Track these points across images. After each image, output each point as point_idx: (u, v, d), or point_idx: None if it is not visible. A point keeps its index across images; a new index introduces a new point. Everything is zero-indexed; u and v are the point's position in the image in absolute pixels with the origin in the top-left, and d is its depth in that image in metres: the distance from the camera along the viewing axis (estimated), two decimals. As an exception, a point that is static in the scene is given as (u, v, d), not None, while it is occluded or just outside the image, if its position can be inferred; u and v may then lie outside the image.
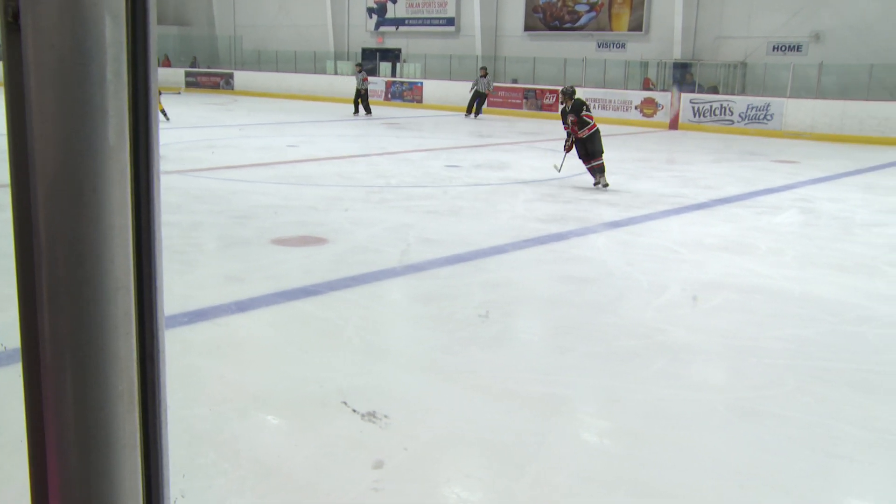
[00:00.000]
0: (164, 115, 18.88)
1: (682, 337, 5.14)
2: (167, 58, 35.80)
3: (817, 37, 22.20)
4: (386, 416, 3.80)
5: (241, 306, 5.44)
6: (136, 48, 0.79)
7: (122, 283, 0.83)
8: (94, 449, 0.85)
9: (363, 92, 23.97)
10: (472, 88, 24.40)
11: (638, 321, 5.44)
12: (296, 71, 31.89)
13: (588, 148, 11.19)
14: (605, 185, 11.02)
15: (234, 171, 11.72)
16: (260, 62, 34.02)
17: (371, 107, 24.09)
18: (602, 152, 11.16)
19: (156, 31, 0.81)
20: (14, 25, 0.76)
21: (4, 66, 0.76)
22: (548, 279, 6.49)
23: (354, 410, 3.84)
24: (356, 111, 23.96)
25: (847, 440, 3.77)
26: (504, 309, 5.69)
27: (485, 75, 24.34)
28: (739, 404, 4.14)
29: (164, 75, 34.01)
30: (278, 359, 4.61)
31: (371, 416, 3.80)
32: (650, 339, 5.08)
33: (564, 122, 11.69)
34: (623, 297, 6.03)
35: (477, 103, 24.11)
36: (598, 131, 11.30)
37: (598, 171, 11.11)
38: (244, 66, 34.72)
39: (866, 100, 19.71)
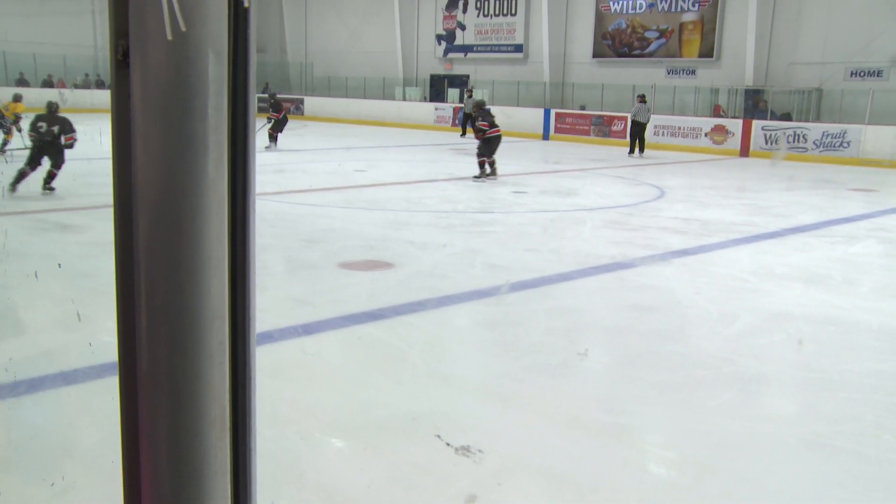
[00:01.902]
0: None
1: (751, 367, 5.05)
2: (241, 84, 36.71)
3: (897, 62, 21.64)
4: (453, 447, 3.82)
5: (307, 329, 5.53)
6: (237, 83, 0.83)
7: (217, 313, 0.86)
8: (187, 475, 0.88)
9: (472, 115, 24.67)
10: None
11: (706, 351, 5.36)
12: (365, 97, 32.38)
13: (484, 148, 14.34)
14: (485, 177, 14.12)
15: (304, 196, 11.93)
16: (330, 88, 34.64)
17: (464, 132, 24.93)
18: (492, 154, 14.29)
19: (255, 67, 0.85)
20: (123, 63, 0.81)
21: (112, 100, 0.82)
22: (614, 307, 6.44)
23: (416, 436, 3.86)
24: (464, 133, 25.14)
25: (926, 479, 3.65)
26: (570, 336, 5.67)
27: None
28: (812, 438, 4.05)
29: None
30: (343, 382, 4.67)
31: (443, 447, 3.81)
32: (718, 369, 5.00)
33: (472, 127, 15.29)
34: (691, 326, 5.95)
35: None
36: (496, 137, 14.40)
37: (482, 166, 14.23)
38: (314, 91, 35.38)
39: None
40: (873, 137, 19.78)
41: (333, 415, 4.16)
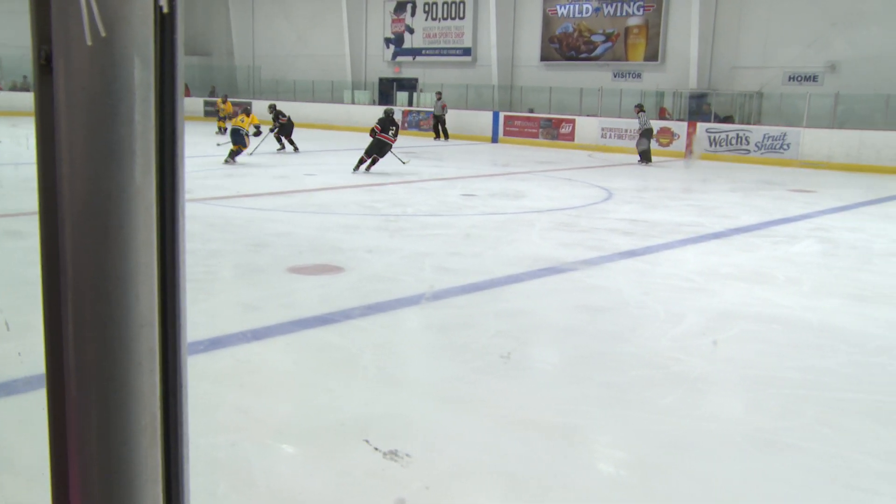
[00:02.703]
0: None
1: (698, 367, 5.11)
2: (187, 87, 36.23)
3: (833, 67, 22.20)
4: (404, 451, 3.79)
5: (257, 334, 5.46)
6: (164, 89, 0.81)
7: (146, 320, 0.84)
8: (118, 483, 0.86)
9: (442, 118, 25.96)
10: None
11: (654, 351, 5.41)
12: (313, 100, 32.18)
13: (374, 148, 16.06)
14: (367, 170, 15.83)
15: (253, 200, 11.81)
16: (278, 91, 34.36)
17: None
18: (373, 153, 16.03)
19: (184, 72, 0.83)
20: (47, 67, 0.78)
21: (36, 105, 0.78)
22: (564, 308, 6.48)
23: (367, 442, 3.83)
24: (437, 136, 25.99)
25: (868, 473, 3.72)
26: (520, 338, 5.68)
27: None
28: (758, 435, 4.11)
29: (184, 105, 34.40)
30: (294, 387, 4.61)
31: (391, 452, 3.79)
32: (667, 369, 5.05)
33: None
34: (639, 327, 6.01)
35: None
36: (378, 142, 16.04)
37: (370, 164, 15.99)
38: (262, 95, 35.06)
39: (883, 129, 19.66)
40: (811, 140, 20.27)
41: (284, 420, 4.11)
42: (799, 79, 22.88)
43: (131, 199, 0.80)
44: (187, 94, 35.36)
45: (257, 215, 10.42)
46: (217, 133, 24.39)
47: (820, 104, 20.74)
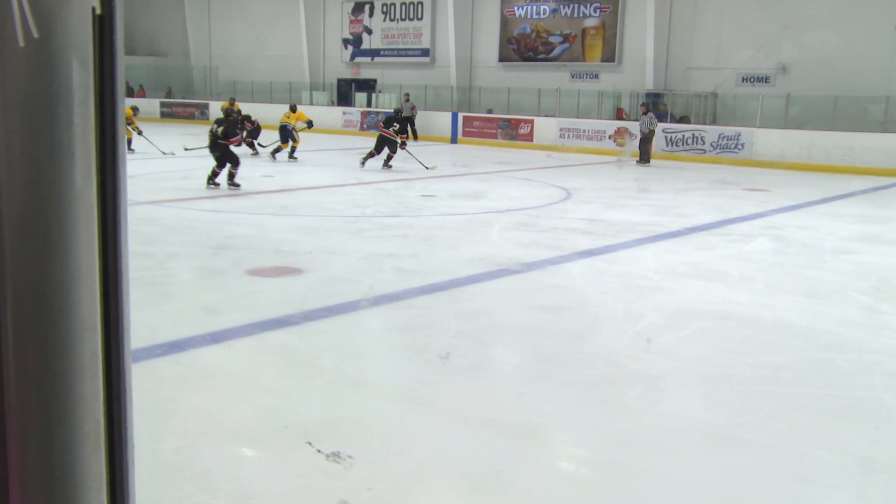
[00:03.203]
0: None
1: (657, 365, 5.16)
2: (142, 88, 35.75)
3: (784, 69, 22.61)
4: (365, 453, 3.77)
5: (216, 337, 5.40)
6: (104, 91, 0.79)
7: (88, 324, 0.82)
8: (60, 491, 0.84)
9: (412, 119, 26.00)
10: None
11: (613, 349, 5.46)
12: (271, 101, 31.92)
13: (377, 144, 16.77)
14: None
15: (212, 202, 11.68)
16: (236, 92, 34.02)
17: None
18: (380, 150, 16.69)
19: (124, 74, 0.81)
20: None
21: None
22: (523, 308, 6.50)
23: (319, 450, 3.81)
24: (408, 137, 25.84)
25: (820, 465, 3.79)
26: (480, 338, 5.68)
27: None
28: (715, 431, 4.16)
29: (139, 106, 33.94)
30: (253, 390, 4.57)
31: (336, 453, 3.76)
32: (625, 367, 5.09)
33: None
34: (598, 326, 6.05)
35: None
36: (383, 137, 16.70)
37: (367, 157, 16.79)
38: (220, 96, 34.70)
39: (832, 130, 20.07)
40: (764, 140, 20.62)
41: (245, 424, 4.07)
42: (752, 80, 23.26)
43: (71, 203, 0.78)
44: (142, 94, 34.94)
45: (216, 217, 10.31)
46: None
47: (772, 105, 21.11)
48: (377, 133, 17.29)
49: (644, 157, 20.37)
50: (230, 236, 9.00)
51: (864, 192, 15.59)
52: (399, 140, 16.65)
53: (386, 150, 16.62)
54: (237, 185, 12.89)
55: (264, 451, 3.78)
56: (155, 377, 4.70)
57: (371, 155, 16.72)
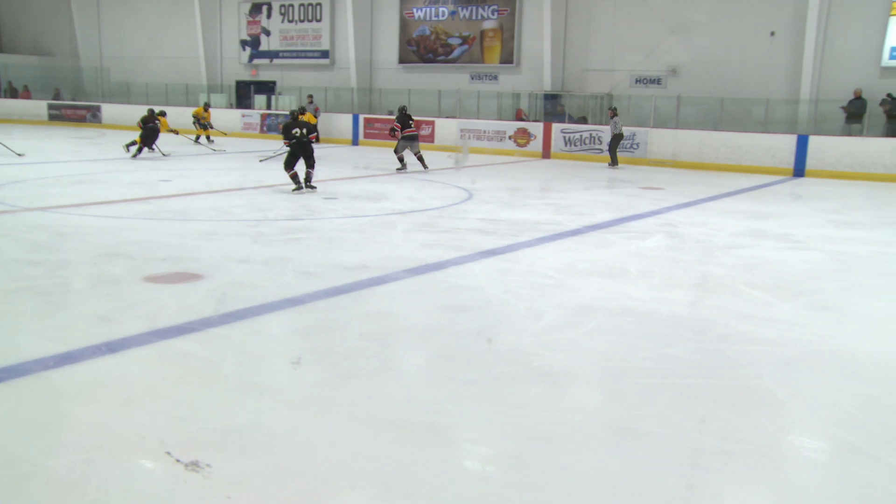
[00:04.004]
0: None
1: (558, 361, 5.26)
2: (27, 88, 34.27)
3: (674, 71, 23.44)
4: (274, 460, 3.72)
5: (112, 347, 5.23)
6: None
7: None
8: None
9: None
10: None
11: (516, 347, 5.53)
12: (167, 104, 31.08)
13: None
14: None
15: (104, 207, 11.29)
16: (129, 94, 33.01)
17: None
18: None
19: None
20: None
21: None
22: (427, 308, 6.53)
23: (263, 452, 3.74)
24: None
25: (714, 452, 3.94)
26: (384, 340, 5.68)
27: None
28: (616, 424, 4.27)
29: (25, 108, 32.54)
30: (153, 400, 4.44)
31: (263, 455, 3.70)
32: (528, 364, 5.17)
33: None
34: (501, 324, 6.13)
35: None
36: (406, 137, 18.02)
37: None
38: (112, 98, 33.59)
39: (720, 130, 20.90)
40: (657, 139, 21.30)
41: (144, 435, 3.95)
42: (644, 81, 24.00)
43: None
44: (27, 95, 33.51)
45: (110, 223, 9.98)
46: (196, 142, 23.88)
47: (664, 106, 21.83)
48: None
49: (614, 160, 20.63)
50: (125, 242, 8.73)
51: (750, 189, 16.28)
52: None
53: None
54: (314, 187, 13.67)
55: (164, 463, 3.68)
56: (47, 390, 4.53)
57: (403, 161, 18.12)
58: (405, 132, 17.98)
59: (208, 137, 24.61)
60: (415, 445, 3.93)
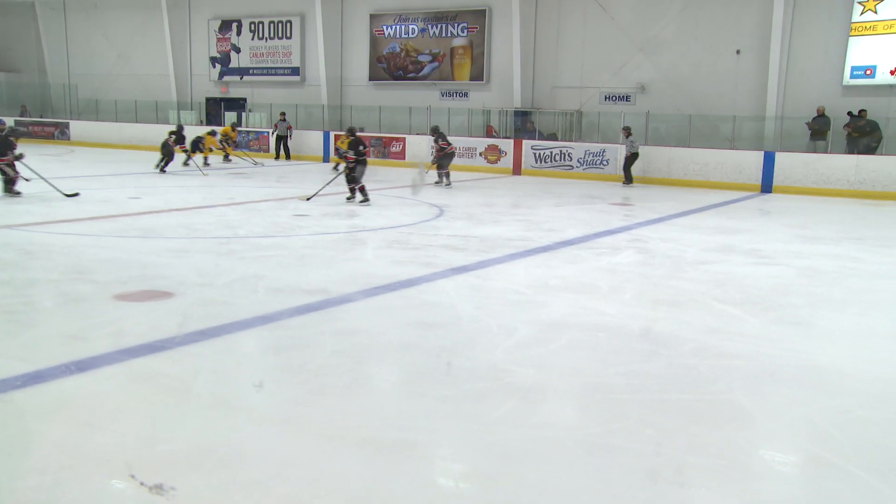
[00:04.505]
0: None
1: (530, 377, 5.27)
2: (-8, 106, 33.88)
3: (643, 88, 23.69)
4: (234, 475, 3.69)
5: (81, 366, 5.16)
6: None
7: None
8: None
9: (286, 138, 26.42)
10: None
11: (488, 363, 5.54)
12: (137, 121, 30.88)
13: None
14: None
15: (73, 225, 11.17)
16: (98, 112, 32.72)
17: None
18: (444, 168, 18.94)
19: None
20: None
21: None
22: (399, 325, 6.52)
23: (235, 471, 3.69)
24: (277, 156, 26.40)
25: (685, 467, 3.96)
26: (356, 357, 5.66)
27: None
28: (588, 440, 4.28)
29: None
30: (123, 419, 4.38)
31: (237, 475, 3.67)
32: (500, 380, 5.18)
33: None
34: (472, 341, 6.13)
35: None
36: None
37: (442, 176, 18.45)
38: (81, 115, 33.28)
39: (688, 147, 21.13)
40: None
41: (114, 455, 3.89)
42: (614, 98, 24.22)
43: None
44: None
45: (78, 241, 9.86)
46: (225, 161, 24.34)
47: (633, 122, 22.02)
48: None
49: (628, 178, 20.27)
50: (94, 260, 8.63)
51: (719, 205, 16.46)
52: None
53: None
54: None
55: (130, 485, 3.63)
56: (14, 410, 4.45)
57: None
58: (450, 149, 18.92)
59: (206, 160, 23.30)
60: (387, 462, 3.91)
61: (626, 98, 23.97)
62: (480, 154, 23.62)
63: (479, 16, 26.17)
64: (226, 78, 32.07)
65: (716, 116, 22.08)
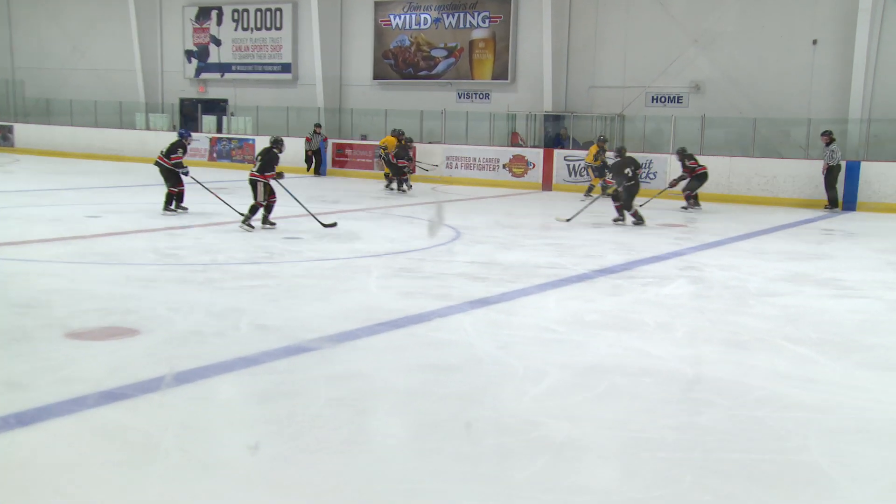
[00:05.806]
0: None
1: (563, 430, 5.24)
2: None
3: (697, 87, 23.63)
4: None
5: (24, 419, 5.16)
6: None
7: None
8: None
9: (320, 152, 26.37)
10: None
11: (513, 414, 5.51)
12: (97, 125, 31.10)
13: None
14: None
15: (19, 249, 11.25)
16: (49, 113, 32.98)
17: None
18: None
19: None
20: None
21: None
22: (407, 368, 6.50)
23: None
24: (309, 169, 26.36)
25: (751, 542, 3.91)
26: (356, 406, 5.65)
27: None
28: (631, 507, 4.24)
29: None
30: (73, 483, 4.37)
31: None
32: (527, 434, 5.15)
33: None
34: (495, 387, 6.11)
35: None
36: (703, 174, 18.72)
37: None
38: (28, 117, 33.54)
39: (752, 156, 21.01)
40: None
41: (62, 525, 3.89)
42: (662, 100, 24.19)
43: None
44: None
45: (24, 267, 9.93)
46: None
47: (686, 127, 21.91)
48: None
49: (833, 201, 19.54)
50: (42, 291, 8.68)
51: (789, 225, 16.40)
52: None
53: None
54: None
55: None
56: (-53, 470, 4.46)
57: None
58: (700, 170, 18.67)
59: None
60: (392, 534, 3.89)
61: (678, 99, 23.96)
62: (504, 166, 23.69)
63: (504, 3, 26.28)
64: (204, 75, 32.33)
65: (786, 120, 22.00)
